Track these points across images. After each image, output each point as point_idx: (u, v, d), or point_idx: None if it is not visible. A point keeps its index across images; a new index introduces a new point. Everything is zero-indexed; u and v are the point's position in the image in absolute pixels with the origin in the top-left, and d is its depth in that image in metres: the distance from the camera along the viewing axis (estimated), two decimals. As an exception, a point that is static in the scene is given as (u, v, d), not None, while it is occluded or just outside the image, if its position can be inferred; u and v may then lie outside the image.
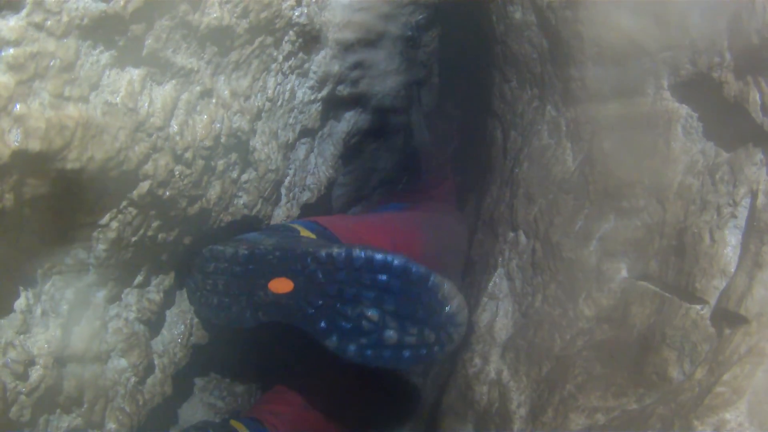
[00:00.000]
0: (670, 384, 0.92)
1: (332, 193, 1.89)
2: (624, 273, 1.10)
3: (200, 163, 1.16)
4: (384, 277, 1.19)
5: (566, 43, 1.26)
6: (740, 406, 0.79)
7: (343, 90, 1.60)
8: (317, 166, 1.61)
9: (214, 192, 1.24)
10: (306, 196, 1.58)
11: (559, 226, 1.25)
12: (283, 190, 1.50)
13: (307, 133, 1.53)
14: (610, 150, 1.19)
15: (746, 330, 0.83)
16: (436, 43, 2.01)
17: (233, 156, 1.26)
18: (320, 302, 1.24)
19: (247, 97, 1.26)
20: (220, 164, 1.23)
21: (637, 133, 1.13)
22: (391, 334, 1.20)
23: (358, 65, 1.59)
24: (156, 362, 1.31)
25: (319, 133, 1.61)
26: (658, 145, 1.08)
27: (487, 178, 1.64)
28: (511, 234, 1.40)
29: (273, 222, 1.49)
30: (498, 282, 1.38)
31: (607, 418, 0.99)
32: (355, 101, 1.68)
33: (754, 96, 0.91)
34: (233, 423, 1.43)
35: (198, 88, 1.14)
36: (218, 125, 1.18)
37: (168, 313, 1.37)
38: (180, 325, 1.39)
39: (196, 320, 1.42)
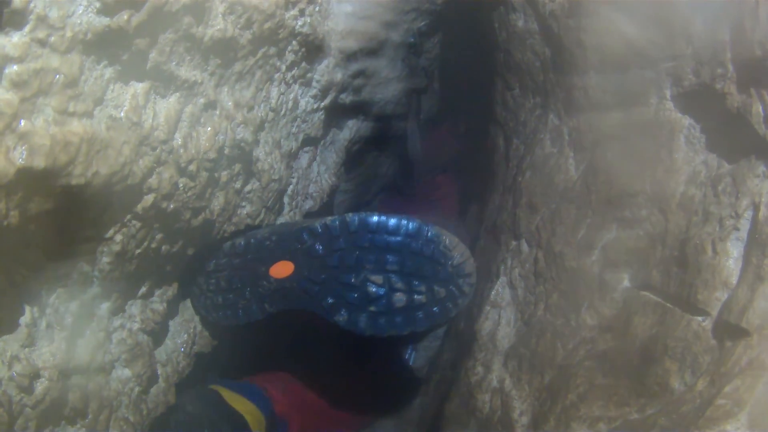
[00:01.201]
0: (671, 395, 0.93)
1: (334, 199, 1.89)
2: (626, 283, 1.11)
3: (204, 175, 1.17)
4: (382, 237, 1.20)
5: (569, 52, 1.27)
6: (741, 418, 0.80)
7: (346, 98, 1.61)
8: (320, 174, 1.62)
9: (217, 203, 1.25)
10: (309, 204, 1.59)
11: (561, 235, 1.26)
12: (286, 199, 1.51)
13: (309, 141, 1.54)
14: (613, 159, 1.19)
15: (747, 342, 0.84)
16: (438, 50, 2.02)
17: (237, 167, 1.27)
18: (323, 277, 1.24)
19: (251, 108, 1.27)
20: (224, 175, 1.24)
21: (640, 142, 1.13)
22: (399, 297, 1.19)
23: (360, 73, 1.60)
24: (159, 371, 1.32)
25: (322, 142, 1.62)
26: (660, 155, 1.08)
27: (489, 186, 1.65)
28: (514, 242, 1.41)
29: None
30: (500, 290, 1.38)
31: (609, 428, 1.00)
32: (358, 109, 1.69)
33: (757, 108, 0.91)
34: (215, 387, 1.41)
35: (202, 100, 1.14)
36: (222, 137, 1.19)
37: (171, 322, 1.38)
38: (183, 334, 1.40)
39: (199, 329, 1.43)
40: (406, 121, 2.02)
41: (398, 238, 1.19)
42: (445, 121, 2.24)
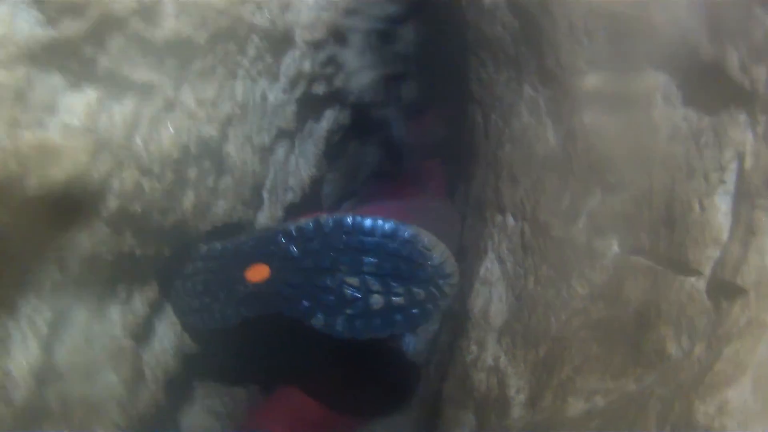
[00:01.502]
0: (668, 361, 0.85)
1: (321, 191, 1.81)
2: (615, 248, 1.03)
3: (170, 174, 1.09)
4: (357, 238, 1.11)
5: (537, 21, 1.19)
6: (744, 381, 0.71)
7: (318, 88, 1.53)
8: (299, 166, 1.54)
9: (188, 202, 1.17)
10: (290, 197, 1.51)
11: (545, 205, 1.18)
12: (264, 194, 1.43)
13: (284, 134, 1.45)
14: (591, 124, 1.11)
15: (744, 301, 0.76)
16: (414, 35, 1.92)
17: (206, 164, 1.19)
18: (298, 280, 1.16)
19: (215, 105, 1.19)
20: (193, 174, 1.16)
21: (616, 105, 1.06)
22: (377, 299, 1.11)
23: (330, 62, 1.51)
24: (147, 374, 1.24)
25: (298, 134, 1.54)
26: (638, 116, 1.01)
27: (472, 164, 1.56)
28: (499, 217, 1.33)
29: (257, 226, 1.42)
30: (489, 267, 1.31)
31: (606, 401, 0.92)
32: (333, 99, 1.61)
33: (732, 56, 0.83)
34: None
35: (160, 101, 1.07)
36: (185, 135, 1.11)
37: (157, 323, 1.30)
38: (170, 335, 1.32)
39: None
40: (387, 108, 1.93)
41: (374, 239, 1.11)
42: (428, 106, 2.15)
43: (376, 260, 1.11)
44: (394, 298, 1.10)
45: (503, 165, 1.32)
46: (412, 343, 1.82)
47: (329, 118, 1.63)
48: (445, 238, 1.20)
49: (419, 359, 1.77)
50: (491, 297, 1.27)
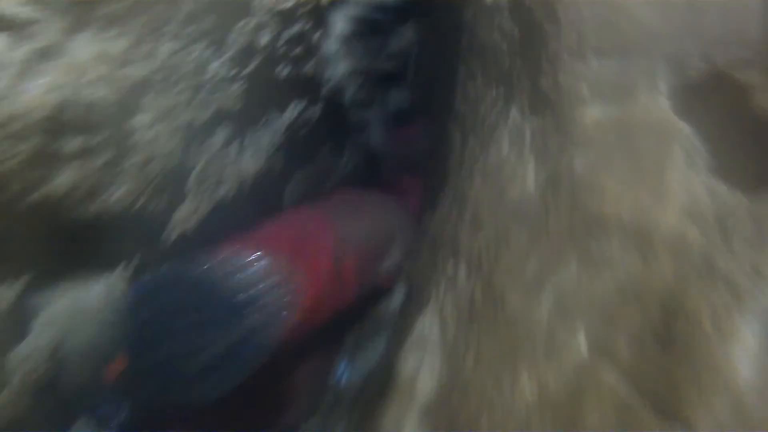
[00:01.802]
0: None
1: (285, 191, 1.46)
2: (582, 344, 0.68)
3: (37, 139, 0.77)
4: (177, 293, 0.89)
5: (539, 29, 0.86)
6: None
7: (282, 70, 1.18)
8: (242, 156, 1.19)
9: (66, 177, 0.85)
10: (222, 190, 1.16)
11: (505, 264, 0.84)
12: (188, 182, 1.10)
13: (226, 116, 1.11)
14: (583, 171, 0.77)
15: None
16: (413, 34, 1.57)
17: (100, 134, 0.86)
18: (153, 358, 0.89)
19: (123, 63, 0.86)
20: (75, 143, 0.84)
21: (621, 152, 0.72)
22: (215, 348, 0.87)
23: (299, 41, 1.17)
24: (14, 373, 0.95)
25: (250, 119, 1.20)
26: (646, 173, 0.67)
27: (440, 193, 1.21)
28: (452, 264, 0.98)
29: (173, 221, 1.08)
30: (428, 325, 0.96)
31: None
32: (301, 86, 1.27)
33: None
34: None
35: (38, 46, 0.75)
36: (66, 93, 0.79)
37: (30, 317, 0.98)
38: (47, 334, 1.00)
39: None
40: (368, 109, 1.58)
41: (195, 292, 0.88)
42: (417, 115, 1.79)
43: (206, 306, 0.87)
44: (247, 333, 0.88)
45: (468, 202, 0.98)
46: (346, 375, 1.48)
47: (294, 109, 1.29)
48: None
49: (349, 387, 1.41)
50: (422, 364, 0.93)
